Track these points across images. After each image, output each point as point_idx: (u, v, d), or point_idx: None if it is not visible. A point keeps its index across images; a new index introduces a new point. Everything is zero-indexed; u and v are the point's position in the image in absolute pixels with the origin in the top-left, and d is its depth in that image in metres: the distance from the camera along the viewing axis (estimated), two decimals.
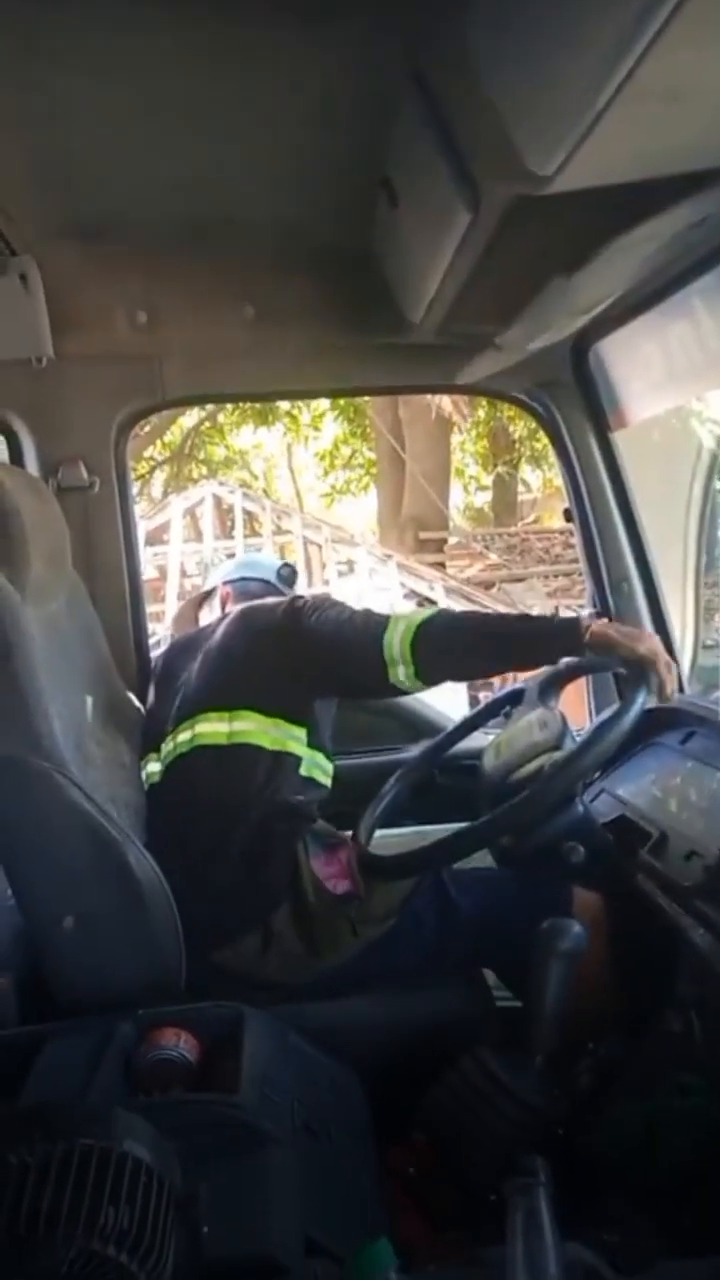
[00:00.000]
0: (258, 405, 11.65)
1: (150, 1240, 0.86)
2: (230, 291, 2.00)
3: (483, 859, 1.77)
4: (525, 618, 1.82)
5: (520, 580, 11.37)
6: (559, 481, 2.46)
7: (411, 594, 9.57)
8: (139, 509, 2.32)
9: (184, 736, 1.75)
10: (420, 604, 9.45)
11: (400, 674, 1.67)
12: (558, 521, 12.45)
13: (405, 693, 1.77)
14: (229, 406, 11.89)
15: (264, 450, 16.04)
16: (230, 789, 1.68)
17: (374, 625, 1.71)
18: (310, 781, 1.74)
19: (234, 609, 1.97)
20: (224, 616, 1.96)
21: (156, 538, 10.62)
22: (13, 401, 2.05)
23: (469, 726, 2.08)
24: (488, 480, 14.80)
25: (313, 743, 1.75)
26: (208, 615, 2.26)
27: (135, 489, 2.69)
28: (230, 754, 1.70)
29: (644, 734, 1.86)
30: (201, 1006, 1.39)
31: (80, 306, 1.95)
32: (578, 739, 1.68)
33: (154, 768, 1.78)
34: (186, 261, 1.94)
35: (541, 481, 15.26)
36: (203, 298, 2.01)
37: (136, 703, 2.01)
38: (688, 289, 1.72)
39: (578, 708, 1.71)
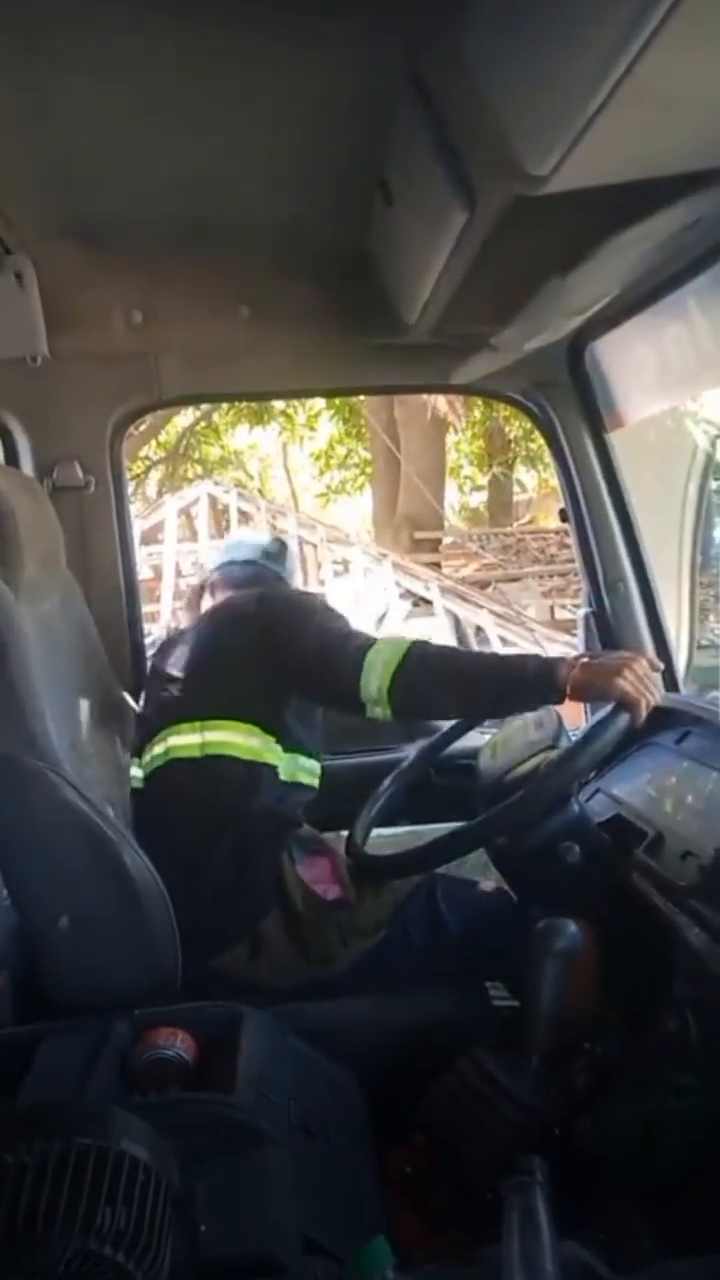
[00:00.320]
0: (253, 405, 11.66)
1: (148, 1239, 0.86)
2: (226, 291, 2.00)
3: (479, 860, 1.77)
4: (505, 665, 1.71)
5: (515, 580, 11.38)
6: (554, 482, 2.46)
7: (407, 594, 9.57)
8: (134, 509, 2.32)
9: (158, 749, 1.74)
10: (416, 604, 9.46)
11: (377, 712, 1.65)
12: (553, 522, 12.51)
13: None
14: (224, 406, 11.89)
15: (259, 450, 16.05)
16: (207, 801, 1.66)
17: (350, 666, 1.64)
18: (293, 785, 1.72)
19: (208, 607, 1.95)
20: (203, 614, 1.94)
21: (151, 537, 10.61)
22: (7, 401, 2.05)
23: (465, 726, 2.08)
24: (483, 480, 14.83)
25: (291, 746, 1.72)
26: (209, 603, 2.25)
27: (130, 489, 2.69)
28: (204, 767, 1.68)
29: (640, 734, 1.86)
30: (198, 1006, 1.38)
31: (76, 306, 1.95)
32: (573, 738, 1.69)
33: (136, 773, 1.77)
34: (183, 261, 1.94)
35: (537, 482, 15.29)
36: (199, 297, 2.01)
37: (131, 702, 2.01)
38: (683, 290, 1.72)
39: (574, 706, 1.70)
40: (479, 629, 9.29)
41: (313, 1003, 1.55)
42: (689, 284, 1.70)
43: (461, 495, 15.88)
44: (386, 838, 1.96)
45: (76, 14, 1.17)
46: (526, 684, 1.61)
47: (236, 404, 11.36)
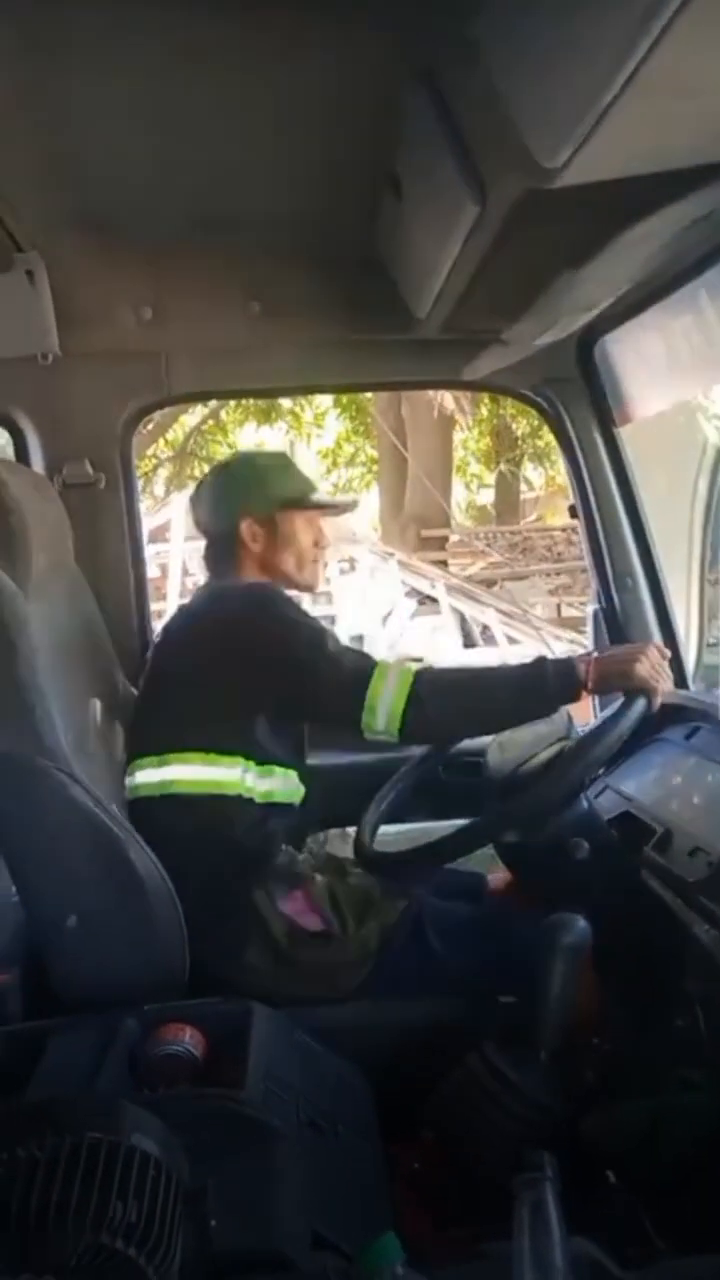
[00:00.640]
0: (260, 403, 11.64)
1: (158, 1234, 0.86)
2: (236, 287, 2.00)
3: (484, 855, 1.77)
4: (521, 675, 1.65)
5: (522, 578, 11.36)
6: (562, 479, 2.46)
7: (413, 592, 9.56)
8: (142, 506, 2.32)
9: (128, 781, 1.69)
10: (422, 602, 9.44)
11: (380, 738, 1.61)
12: (560, 519, 12.45)
13: None
14: (232, 404, 11.88)
15: (266, 448, 16.02)
16: (171, 840, 1.56)
17: (348, 698, 1.58)
18: (270, 807, 1.68)
19: (177, 613, 1.88)
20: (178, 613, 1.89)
21: (159, 535, 10.59)
22: (18, 398, 2.05)
23: None
24: (490, 478, 14.81)
25: (265, 761, 1.67)
26: None
27: (139, 486, 2.69)
28: (164, 806, 1.63)
29: (649, 730, 1.86)
30: (207, 1002, 1.39)
31: (86, 303, 1.95)
32: (582, 733, 1.68)
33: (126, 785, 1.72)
34: (192, 258, 1.94)
35: (544, 479, 15.25)
36: (208, 294, 2.00)
37: None
38: (694, 284, 1.71)
39: (582, 702, 1.70)
40: (485, 627, 9.28)
41: (319, 1006, 1.54)
42: (700, 278, 1.69)
43: (468, 493, 15.85)
44: (395, 835, 1.95)
45: (86, 13, 1.17)
46: (548, 688, 1.60)
47: (244, 402, 11.36)
